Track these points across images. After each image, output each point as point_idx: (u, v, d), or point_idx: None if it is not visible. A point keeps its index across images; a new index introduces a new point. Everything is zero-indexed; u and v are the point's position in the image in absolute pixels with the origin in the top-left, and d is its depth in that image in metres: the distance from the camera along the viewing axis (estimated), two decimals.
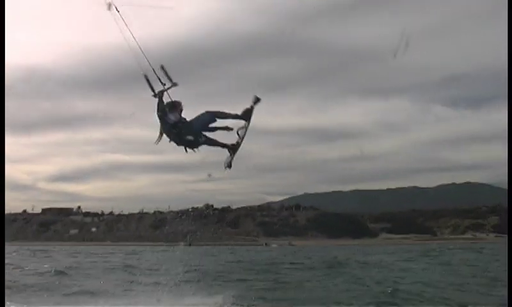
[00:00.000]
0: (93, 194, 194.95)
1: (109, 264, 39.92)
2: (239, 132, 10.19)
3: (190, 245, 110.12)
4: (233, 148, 10.12)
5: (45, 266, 36.08)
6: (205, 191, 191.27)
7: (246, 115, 10.11)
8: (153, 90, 9.41)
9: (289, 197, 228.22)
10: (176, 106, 9.77)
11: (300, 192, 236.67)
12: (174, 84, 9.46)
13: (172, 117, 9.60)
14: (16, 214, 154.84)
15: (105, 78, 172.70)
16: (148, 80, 9.35)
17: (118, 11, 8.78)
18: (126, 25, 8.78)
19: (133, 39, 8.85)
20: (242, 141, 10.15)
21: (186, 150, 9.84)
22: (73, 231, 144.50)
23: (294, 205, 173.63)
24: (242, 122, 10.18)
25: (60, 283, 24.96)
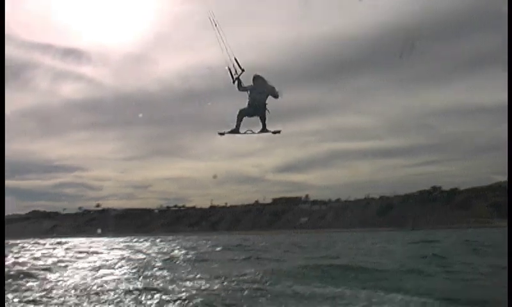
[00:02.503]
0: (317, 183, 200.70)
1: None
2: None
3: (413, 229, 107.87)
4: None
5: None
6: (430, 174, 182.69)
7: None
8: (232, 77, 11.26)
9: None
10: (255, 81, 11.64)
11: None
12: (242, 70, 11.29)
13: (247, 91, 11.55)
14: (249, 205, 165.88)
15: (315, 70, 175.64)
16: (230, 72, 11.24)
17: None
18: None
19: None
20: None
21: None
22: (303, 219, 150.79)
23: None
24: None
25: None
